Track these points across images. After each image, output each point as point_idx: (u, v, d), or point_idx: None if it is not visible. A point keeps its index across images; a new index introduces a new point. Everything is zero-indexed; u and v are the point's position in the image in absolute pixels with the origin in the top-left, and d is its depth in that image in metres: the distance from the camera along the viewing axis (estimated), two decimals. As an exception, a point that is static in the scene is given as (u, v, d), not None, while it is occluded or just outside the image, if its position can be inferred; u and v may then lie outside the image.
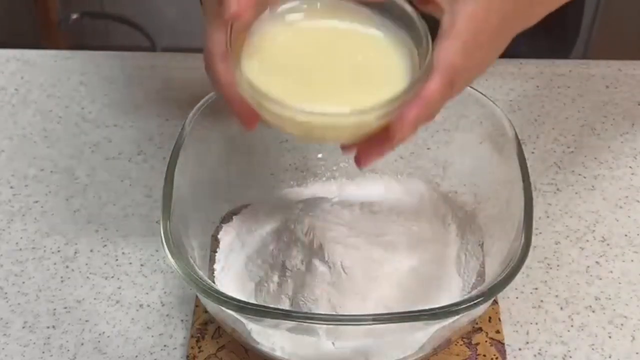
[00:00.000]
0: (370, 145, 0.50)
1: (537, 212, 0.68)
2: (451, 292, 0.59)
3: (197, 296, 0.62)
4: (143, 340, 0.61)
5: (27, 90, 0.82)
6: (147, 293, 0.64)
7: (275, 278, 0.58)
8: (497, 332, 0.61)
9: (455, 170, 0.66)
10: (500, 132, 0.59)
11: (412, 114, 0.47)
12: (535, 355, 0.60)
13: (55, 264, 0.66)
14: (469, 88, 0.59)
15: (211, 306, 0.54)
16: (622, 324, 0.62)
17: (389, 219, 0.62)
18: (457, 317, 0.50)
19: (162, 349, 0.61)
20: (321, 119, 0.47)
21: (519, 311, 0.63)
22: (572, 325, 0.62)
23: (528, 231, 0.52)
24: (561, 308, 0.63)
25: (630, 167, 0.74)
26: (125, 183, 0.73)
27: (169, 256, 0.52)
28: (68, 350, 0.61)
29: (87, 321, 0.62)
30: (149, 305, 0.63)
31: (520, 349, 0.60)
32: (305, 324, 0.52)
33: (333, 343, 0.54)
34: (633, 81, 0.82)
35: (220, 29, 0.49)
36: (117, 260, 0.66)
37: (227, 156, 0.66)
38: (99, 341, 0.61)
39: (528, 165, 0.57)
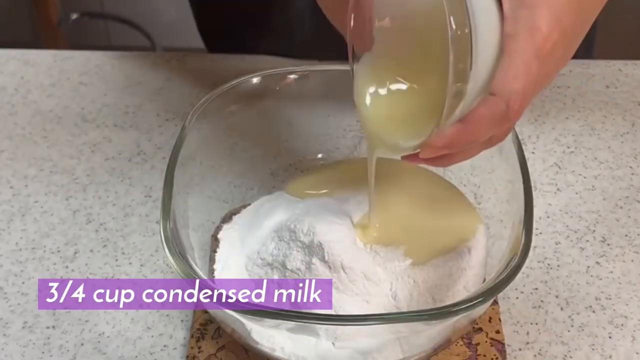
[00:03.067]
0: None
1: (537, 212, 0.69)
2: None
3: (197, 296, 0.62)
4: (143, 340, 0.61)
5: (27, 90, 0.82)
6: (147, 293, 0.64)
7: (275, 278, 0.58)
8: (497, 332, 0.61)
9: (455, 170, 0.66)
10: (501, 132, 0.59)
11: (442, 137, 0.45)
12: (535, 356, 0.60)
13: (55, 264, 0.66)
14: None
15: (211, 306, 0.54)
16: (622, 324, 0.62)
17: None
18: (457, 317, 0.50)
19: (162, 349, 0.61)
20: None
21: (519, 311, 0.63)
22: (572, 326, 0.62)
23: (528, 231, 0.52)
24: (561, 308, 0.63)
25: (630, 167, 0.74)
26: (125, 183, 0.73)
27: (169, 256, 0.52)
28: (68, 350, 0.61)
29: (87, 321, 0.62)
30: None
31: (520, 349, 0.60)
32: (305, 324, 0.52)
33: (333, 343, 0.54)
34: (633, 81, 0.82)
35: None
36: (116, 260, 0.66)
37: (227, 156, 0.66)
38: (99, 341, 0.61)
39: (528, 165, 0.57)
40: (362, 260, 0.58)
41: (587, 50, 0.96)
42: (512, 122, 0.45)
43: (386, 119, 0.53)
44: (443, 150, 0.46)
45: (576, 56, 0.50)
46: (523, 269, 0.51)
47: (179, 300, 0.61)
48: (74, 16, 1.89)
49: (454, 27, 0.42)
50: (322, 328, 0.52)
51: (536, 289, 0.64)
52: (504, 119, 0.44)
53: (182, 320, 0.62)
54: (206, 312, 0.61)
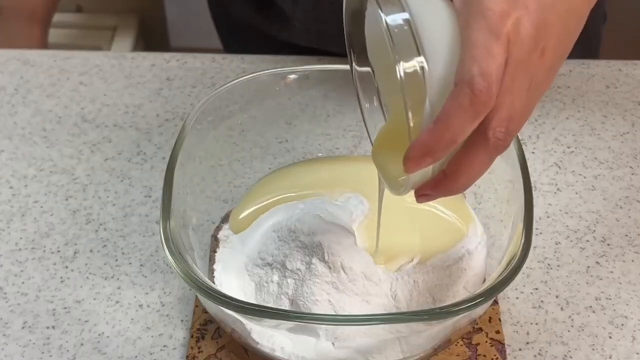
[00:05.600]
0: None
1: (537, 212, 0.68)
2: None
3: (197, 296, 0.62)
4: (143, 340, 0.61)
5: (27, 90, 0.82)
6: (146, 293, 0.64)
7: (275, 278, 0.58)
8: (497, 332, 0.61)
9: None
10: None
11: (417, 144, 0.44)
12: (535, 356, 0.60)
13: (54, 264, 0.66)
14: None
15: (211, 306, 0.54)
16: (622, 324, 0.62)
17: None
18: (457, 317, 0.50)
19: (161, 349, 0.61)
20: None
21: (519, 311, 0.63)
22: (572, 326, 0.62)
23: (528, 231, 0.52)
24: (561, 308, 0.63)
25: (631, 167, 0.74)
26: (125, 183, 0.73)
27: (169, 256, 0.52)
28: (68, 350, 0.61)
29: (86, 321, 0.62)
30: (148, 306, 0.63)
31: (520, 349, 0.60)
32: (305, 324, 0.52)
33: (333, 343, 0.54)
34: (633, 81, 0.82)
35: None
36: (116, 260, 0.66)
37: (227, 156, 0.66)
38: (99, 341, 0.61)
39: (528, 165, 0.57)
40: (362, 260, 0.58)
41: (590, 49, 0.96)
42: (487, 106, 0.43)
43: (385, 160, 0.52)
44: (424, 158, 0.44)
45: (580, 56, 0.49)
46: (523, 269, 0.51)
47: (179, 299, 0.61)
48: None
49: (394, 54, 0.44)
50: (322, 328, 0.52)
51: (536, 289, 0.64)
52: (474, 106, 0.42)
53: (182, 320, 0.62)
54: (206, 312, 0.61)
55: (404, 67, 0.44)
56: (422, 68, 0.44)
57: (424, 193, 0.48)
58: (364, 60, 0.53)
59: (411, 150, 0.44)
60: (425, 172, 0.47)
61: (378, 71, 0.53)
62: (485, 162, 0.46)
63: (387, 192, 0.63)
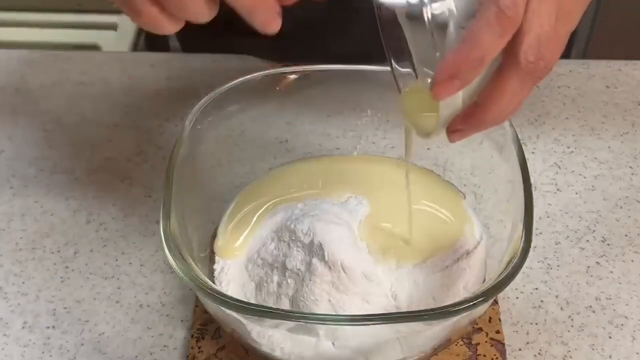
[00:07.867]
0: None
1: (537, 212, 0.69)
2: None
3: (197, 296, 0.62)
4: (143, 340, 0.61)
5: (27, 90, 0.82)
6: (147, 293, 0.64)
7: (275, 278, 0.58)
8: (497, 332, 0.61)
9: (455, 170, 0.66)
10: (500, 132, 0.59)
11: (444, 63, 0.42)
12: (535, 356, 0.60)
13: (55, 264, 0.66)
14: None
15: (211, 306, 0.54)
16: (622, 324, 0.62)
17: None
18: (457, 317, 0.50)
19: (162, 349, 0.61)
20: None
21: (519, 311, 0.63)
22: (572, 326, 0.62)
23: (528, 231, 0.52)
24: (561, 308, 0.63)
25: (631, 167, 0.74)
26: (125, 183, 0.73)
27: (169, 256, 0.52)
28: (68, 350, 0.61)
29: (87, 321, 0.62)
30: (149, 305, 0.63)
31: (520, 349, 0.60)
32: (305, 324, 0.52)
33: (333, 343, 0.54)
34: (633, 81, 0.82)
35: None
36: (116, 260, 0.66)
37: (227, 156, 0.66)
38: (99, 341, 0.61)
39: (528, 165, 0.57)
40: (362, 260, 0.58)
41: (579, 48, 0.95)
42: (513, 22, 0.42)
43: (413, 105, 0.52)
44: (452, 81, 0.43)
45: (573, 55, 0.49)
46: (523, 269, 0.51)
47: (179, 299, 0.61)
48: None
49: None
50: (322, 328, 0.52)
51: (536, 289, 0.64)
52: (501, 21, 0.42)
53: (182, 320, 0.62)
54: (206, 312, 0.61)
55: (432, 9, 0.43)
56: (449, 10, 0.43)
57: (455, 128, 0.47)
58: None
59: (438, 73, 0.43)
60: (456, 105, 0.46)
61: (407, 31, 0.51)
62: (518, 90, 0.45)
63: (384, 195, 0.62)
